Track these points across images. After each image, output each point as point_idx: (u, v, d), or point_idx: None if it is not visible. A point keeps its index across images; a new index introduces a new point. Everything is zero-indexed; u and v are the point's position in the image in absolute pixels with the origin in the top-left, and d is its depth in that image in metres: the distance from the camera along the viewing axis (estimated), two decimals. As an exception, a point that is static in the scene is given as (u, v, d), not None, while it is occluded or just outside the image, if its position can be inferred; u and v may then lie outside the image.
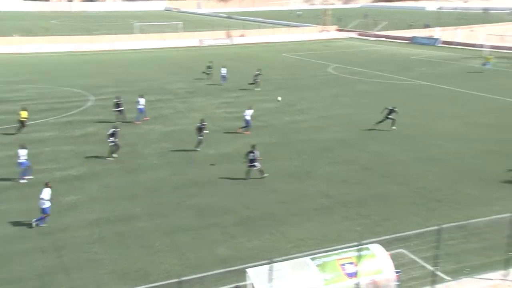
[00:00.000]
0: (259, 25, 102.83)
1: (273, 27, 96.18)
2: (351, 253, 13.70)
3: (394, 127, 31.50)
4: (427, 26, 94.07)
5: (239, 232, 18.82)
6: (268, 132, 31.54)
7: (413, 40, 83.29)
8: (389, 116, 31.62)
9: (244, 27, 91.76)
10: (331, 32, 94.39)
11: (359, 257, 13.50)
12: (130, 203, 21.45)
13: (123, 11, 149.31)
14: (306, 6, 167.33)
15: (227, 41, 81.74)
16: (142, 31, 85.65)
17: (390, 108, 31.89)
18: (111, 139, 26.74)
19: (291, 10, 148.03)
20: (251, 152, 23.73)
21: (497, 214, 17.90)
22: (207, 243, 18.05)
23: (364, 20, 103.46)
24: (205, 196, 22.11)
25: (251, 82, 45.08)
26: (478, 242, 17.22)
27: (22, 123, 31.20)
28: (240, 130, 31.33)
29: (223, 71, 47.23)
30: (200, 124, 28.07)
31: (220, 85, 46.21)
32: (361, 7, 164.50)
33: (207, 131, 28.15)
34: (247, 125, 31.40)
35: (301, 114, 36.22)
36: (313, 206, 21.01)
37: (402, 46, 78.63)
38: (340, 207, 20.94)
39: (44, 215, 19.22)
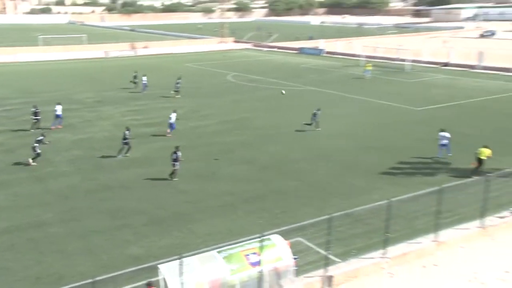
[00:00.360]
0: (162, 37, 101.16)
1: (175, 39, 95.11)
2: (254, 244, 13.95)
3: (318, 128, 32.74)
4: (311, 38, 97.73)
5: (150, 232, 18.46)
6: (175, 137, 31.17)
7: (301, 51, 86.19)
8: (315, 118, 32.79)
9: (147, 39, 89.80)
10: (228, 44, 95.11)
11: (261, 248, 13.78)
12: (42, 210, 20.25)
13: (25, 24, 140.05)
14: (205, 20, 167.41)
15: (131, 53, 79.60)
16: (47, 43, 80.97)
17: (315, 111, 33.07)
18: (36, 145, 25.41)
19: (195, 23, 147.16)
20: (175, 152, 23.56)
21: (376, 202, 19.04)
22: (119, 244, 17.52)
23: (257, 33, 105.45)
24: (117, 199, 21.42)
25: (174, 90, 44.44)
26: (362, 227, 18.22)
27: None
28: (168, 133, 31.45)
29: (144, 79, 46.50)
30: (126, 132, 27.31)
31: (139, 93, 45.35)
32: (254, 20, 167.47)
33: (129, 138, 27.29)
34: (171, 128, 31.54)
35: (205, 119, 36.15)
36: (219, 204, 21.09)
37: (292, 56, 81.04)
38: (243, 203, 21.18)
39: None
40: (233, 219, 19.57)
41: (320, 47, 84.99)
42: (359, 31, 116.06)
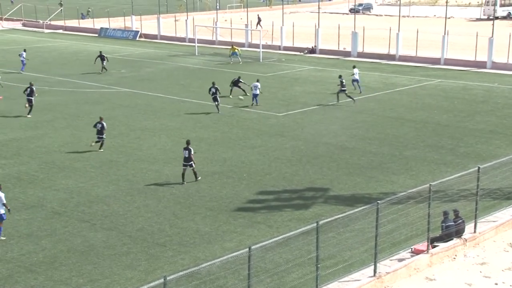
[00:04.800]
0: None
1: None
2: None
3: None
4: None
5: None
6: None
7: (101, 33, 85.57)
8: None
9: None
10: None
11: None
12: None
13: None
14: None
15: None
16: None
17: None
18: None
19: None
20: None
21: (231, 252, 19.53)
22: None
23: (29, 5, 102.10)
24: None
25: None
26: (212, 291, 18.56)
27: None
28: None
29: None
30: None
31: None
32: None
33: None
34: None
35: (-48, 143, 34.27)
36: (-15, 277, 19.90)
37: (90, 41, 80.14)
38: (24, 273, 20.32)
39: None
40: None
41: (134, 28, 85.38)
42: (190, 4, 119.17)
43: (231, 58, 62.50)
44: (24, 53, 57.38)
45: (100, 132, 33.37)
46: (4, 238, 22.73)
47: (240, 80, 46.34)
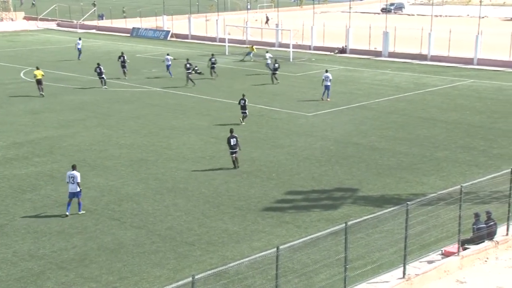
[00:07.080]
0: None
1: None
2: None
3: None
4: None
5: None
6: None
7: (133, 33, 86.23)
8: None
9: None
10: (17, 22, 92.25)
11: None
12: None
13: None
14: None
15: None
16: None
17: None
18: None
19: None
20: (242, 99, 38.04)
21: (259, 252, 19.54)
22: None
23: (64, 5, 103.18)
24: None
25: None
26: (240, 291, 18.59)
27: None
28: None
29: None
30: None
31: None
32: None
33: None
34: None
35: (-15, 141, 34.76)
36: (14, 275, 20.20)
37: (121, 40, 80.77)
38: (55, 270, 20.53)
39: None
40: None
41: (165, 28, 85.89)
42: (221, 4, 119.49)
43: (245, 56, 64.50)
44: (80, 42, 64.73)
45: (243, 107, 38.11)
46: (84, 212, 24.97)
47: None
